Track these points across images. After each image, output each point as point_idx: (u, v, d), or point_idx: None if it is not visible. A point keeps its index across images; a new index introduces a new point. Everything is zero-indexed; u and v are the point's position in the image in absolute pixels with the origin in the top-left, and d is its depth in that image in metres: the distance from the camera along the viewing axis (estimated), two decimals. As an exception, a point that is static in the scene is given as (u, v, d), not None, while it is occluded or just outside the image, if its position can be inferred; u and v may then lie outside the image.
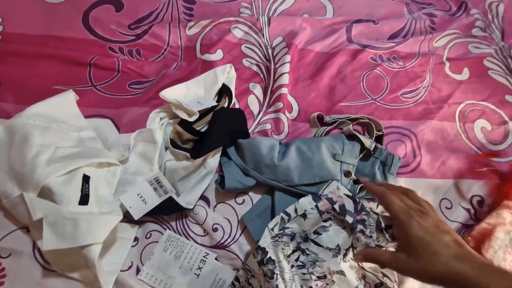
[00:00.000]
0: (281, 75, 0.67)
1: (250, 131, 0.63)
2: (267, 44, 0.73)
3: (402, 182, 0.59)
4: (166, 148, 0.57)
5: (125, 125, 0.60)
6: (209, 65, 0.67)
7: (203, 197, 0.55)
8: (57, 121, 0.53)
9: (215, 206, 0.55)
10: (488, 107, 0.70)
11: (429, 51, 0.77)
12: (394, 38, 0.78)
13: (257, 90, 0.67)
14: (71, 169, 0.45)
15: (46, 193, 0.43)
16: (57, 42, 0.67)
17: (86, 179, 0.46)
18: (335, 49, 0.74)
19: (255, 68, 0.70)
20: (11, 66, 0.63)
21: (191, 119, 0.56)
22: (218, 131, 0.54)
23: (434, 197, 0.59)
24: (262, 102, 0.66)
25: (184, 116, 0.55)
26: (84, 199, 0.44)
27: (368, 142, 0.56)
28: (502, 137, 0.67)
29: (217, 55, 0.69)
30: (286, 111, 0.64)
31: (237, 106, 0.65)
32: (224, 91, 0.63)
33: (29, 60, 0.64)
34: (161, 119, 0.57)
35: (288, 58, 0.69)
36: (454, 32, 0.80)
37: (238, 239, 0.53)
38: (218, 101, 0.64)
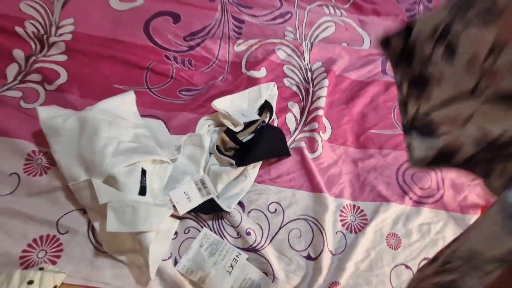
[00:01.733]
0: (318, 98, 0.73)
1: (285, 146, 0.68)
2: (307, 67, 0.79)
3: (426, 211, 0.63)
4: (210, 153, 0.62)
5: (174, 128, 0.66)
6: (253, 81, 0.73)
7: (239, 203, 0.59)
8: (119, 117, 0.59)
9: (249, 212, 0.60)
10: None
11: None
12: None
13: (295, 109, 0.73)
14: (133, 162, 0.51)
15: (110, 181, 0.49)
16: (120, 45, 0.74)
17: (143, 172, 0.51)
18: (370, 79, 0.80)
19: (294, 88, 0.76)
20: (79, 63, 0.70)
21: (236, 129, 0.61)
22: (263, 145, 0.59)
23: (455, 230, 0.62)
24: (298, 120, 0.72)
25: (230, 126, 0.61)
26: (142, 190, 0.49)
27: None
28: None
29: (261, 72, 0.75)
30: (320, 131, 0.69)
31: (276, 122, 0.70)
32: (265, 107, 0.69)
33: (94, 59, 0.71)
34: (208, 126, 0.63)
35: (326, 82, 0.74)
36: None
37: (268, 245, 0.57)
38: (259, 115, 0.69)
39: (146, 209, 0.46)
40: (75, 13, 0.77)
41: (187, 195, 0.54)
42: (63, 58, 0.70)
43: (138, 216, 0.45)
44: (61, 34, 0.73)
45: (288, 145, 0.68)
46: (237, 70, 0.77)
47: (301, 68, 0.79)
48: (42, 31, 0.71)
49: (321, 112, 0.71)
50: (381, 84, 0.79)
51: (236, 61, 0.78)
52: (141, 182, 0.50)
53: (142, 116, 0.65)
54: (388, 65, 0.82)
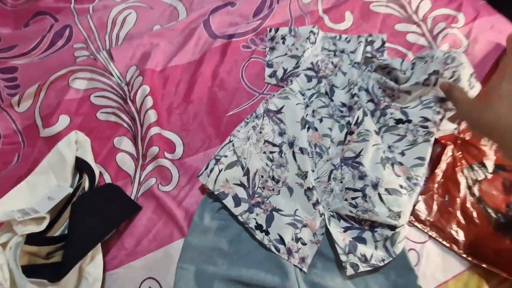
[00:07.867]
0: (145, 113, 0.55)
1: (133, 197, 0.51)
2: (119, 82, 0.60)
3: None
4: (30, 275, 0.44)
5: (-28, 267, 0.46)
6: (55, 140, 0.53)
7: (99, 311, 0.43)
8: None
9: (119, 315, 0.43)
10: (382, 46, 0.63)
11: (302, 11, 0.67)
12: (260, 13, 0.67)
13: (125, 144, 0.55)
14: None
15: None
16: None
17: None
18: (200, 53, 0.63)
19: (113, 118, 0.57)
20: None
21: (41, 228, 0.43)
22: (80, 233, 0.42)
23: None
24: (136, 156, 0.54)
25: (27, 229, 0.42)
26: None
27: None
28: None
29: (62, 122, 0.56)
30: (165, 153, 0.53)
31: (106, 175, 0.52)
32: (81, 168, 0.50)
33: None
34: (1, 246, 0.43)
35: (146, 89, 0.57)
36: (320, -21, 0.71)
37: None
38: (80, 179, 0.51)
39: None
40: None
41: None
42: None
43: None
44: None
45: (133, 195, 0.51)
46: (36, 136, 0.56)
47: (112, 88, 0.60)
48: None
49: (155, 130, 0.54)
50: (215, 51, 0.63)
51: (28, 124, 0.57)
52: None
53: None
54: (214, 26, 0.65)
